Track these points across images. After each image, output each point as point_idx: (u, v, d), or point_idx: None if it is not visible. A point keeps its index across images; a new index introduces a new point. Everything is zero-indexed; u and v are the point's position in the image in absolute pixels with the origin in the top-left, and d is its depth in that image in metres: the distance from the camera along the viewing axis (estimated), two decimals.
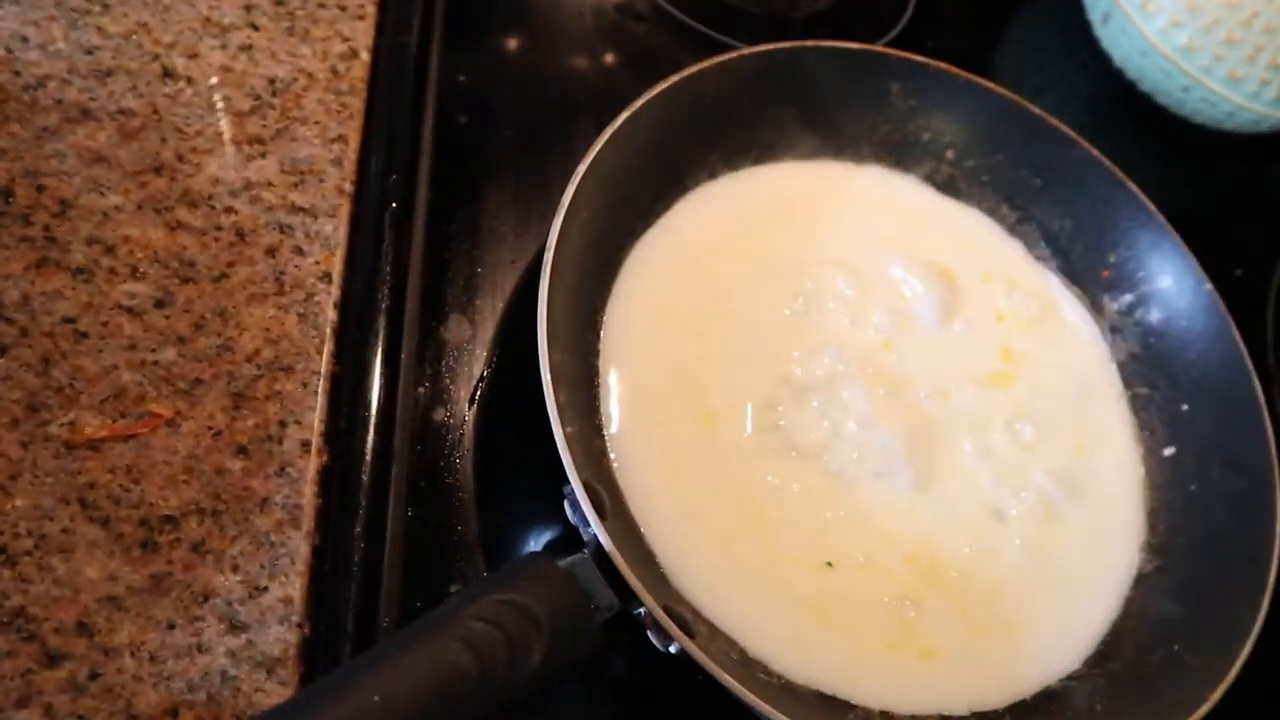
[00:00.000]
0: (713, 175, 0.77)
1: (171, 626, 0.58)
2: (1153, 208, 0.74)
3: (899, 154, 0.80)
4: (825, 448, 0.68)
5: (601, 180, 0.67)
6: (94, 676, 0.56)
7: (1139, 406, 0.74)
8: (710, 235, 0.76)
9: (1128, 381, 0.74)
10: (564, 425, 0.56)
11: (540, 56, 0.86)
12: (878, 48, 0.78)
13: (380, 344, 0.68)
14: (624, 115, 0.67)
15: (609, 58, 0.88)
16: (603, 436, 0.65)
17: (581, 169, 0.64)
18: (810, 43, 0.77)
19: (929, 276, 0.76)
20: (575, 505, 0.57)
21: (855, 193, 0.80)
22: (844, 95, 0.79)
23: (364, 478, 0.64)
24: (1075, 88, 0.98)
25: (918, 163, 0.81)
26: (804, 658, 0.60)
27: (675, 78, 0.70)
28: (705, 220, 0.76)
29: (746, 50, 0.74)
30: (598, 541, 0.55)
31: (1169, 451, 0.71)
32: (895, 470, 0.68)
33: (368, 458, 0.64)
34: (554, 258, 0.62)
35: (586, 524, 0.56)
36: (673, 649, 0.54)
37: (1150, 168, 0.78)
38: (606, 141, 0.66)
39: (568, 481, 0.57)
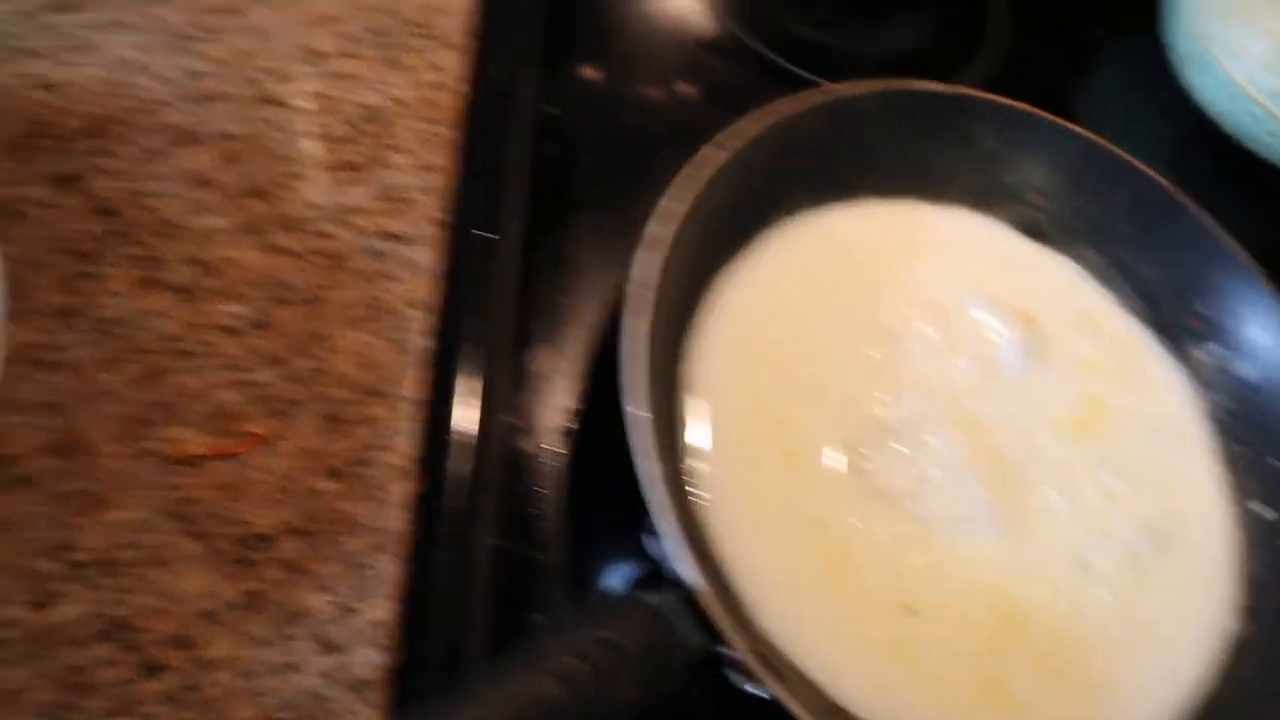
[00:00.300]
0: (796, 211, 0.78)
1: (265, 643, 0.59)
2: (1245, 256, 0.74)
3: (983, 196, 0.80)
4: (908, 491, 0.68)
5: (688, 214, 0.68)
6: (191, 689, 0.57)
7: (1233, 463, 0.73)
8: (794, 272, 0.76)
9: (1220, 436, 0.74)
10: (652, 461, 0.57)
11: (626, 89, 0.87)
12: (963, 89, 0.78)
13: (469, 372, 0.68)
14: (711, 150, 0.68)
15: (692, 90, 0.89)
16: (685, 472, 0.65)
17: (668, 203, 0.64)
18: (896, 84, 0.77)
19: (1013, 321, 0.76)
20: (661, 542, 0.57)
21: (939, 234, 0.80)
22: (928, 136, 0.79)
23: (452, 505, 0.64)
24: (1160, 131, 0.98)
25: (1002, 205, 0.80)
26: (888, 705, 0.60)
27: (763, 115, 0.71)
28: (789, 257, 0.76)
29: (835, 90, 0.74)
30: (685, 580, 0.55)
31: (1267, 514, 0.70)
32: (978, 517, 0.68)
33: (456, 486, 0.65)
34: (641, 292, 0.63)
35: (673, 561, 0.56)
36: (757, 691, 0.54)
37: (1239, 214, 0.78)
38: (693, 176, 0.67)
39: (653, 517, 0.58)
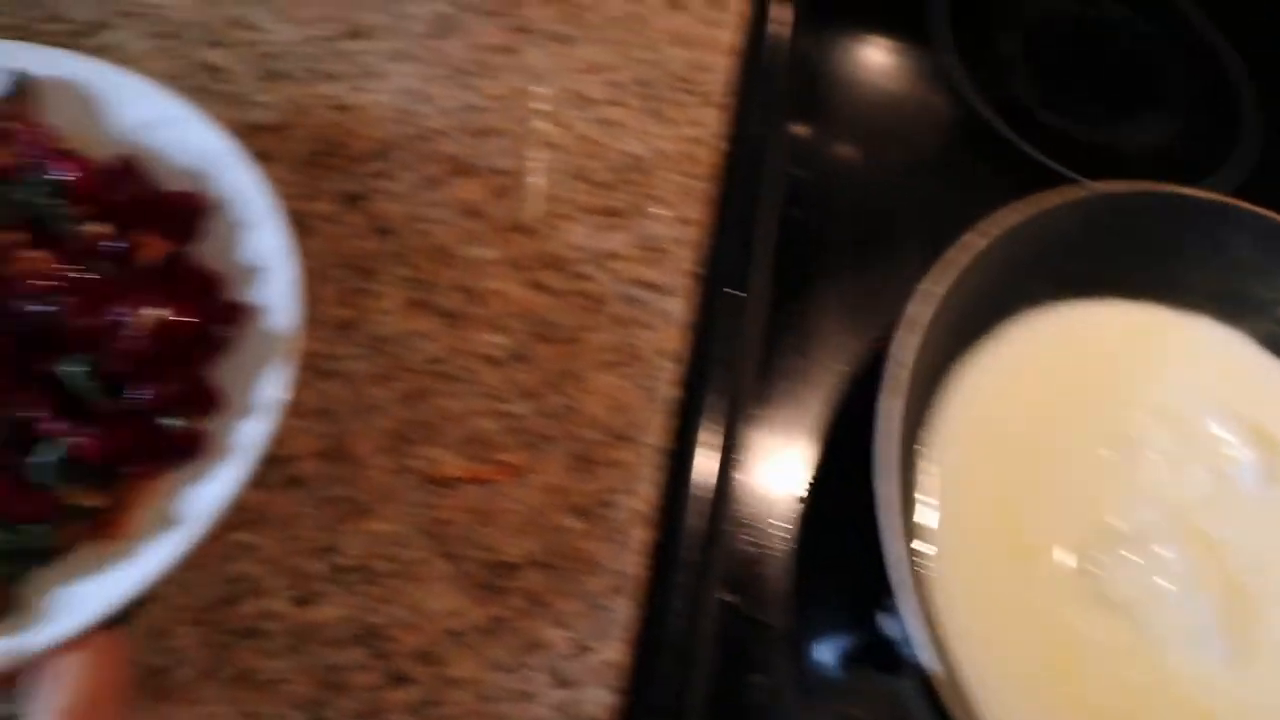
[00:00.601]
0: (1040, 304, 0.77)
1: (505, 670, 0.61)
2: None
3: (1231, 307, 0.79)
4: (1135, 603, 0.67)
5: (945, 297, 0.68)
6: (433, 704, 0.59)
7: None
8: (1034, 365, 0.76)
9: None
10: (900, 543, 0.57)
11: (877, 164, 0.88)
12: (1228, 199, 0.77)
13: (711, 427, 0.70)
14: (973, 237, 0.69)
15: (941, 173, 0.89)
16: (916, 554, 0.66)
17: (929, 286, 0.65)
18: (1158, 187, 0.77)
19: (1252, 440, 0.74)
20: (902, 625, 0.58)
21: (1181, 341, 0.79)
22: (1182, 241, 0.78)
23: (687, 557, 0.66)
24: None
25: (1249, 318, 0.79)
26: None
27: (1024, 206, 0.71)
28: (1030, 349, 0.76)
29: (1096, 188, 0.74)
30: (925, 666, 0.56)
31: None
32: (1207, 640, 0.66)
33: (692, 538, 0.66)
34: (898, 371, 0.64)
35: (914, 646, 0.56)
36: None
37: None
38: (953, 260, 0.67)
39: (890, 595, 0.58)
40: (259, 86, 0.78)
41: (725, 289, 0.75)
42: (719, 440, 0.70)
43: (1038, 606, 0.68)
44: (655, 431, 0.68)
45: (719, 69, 0.84)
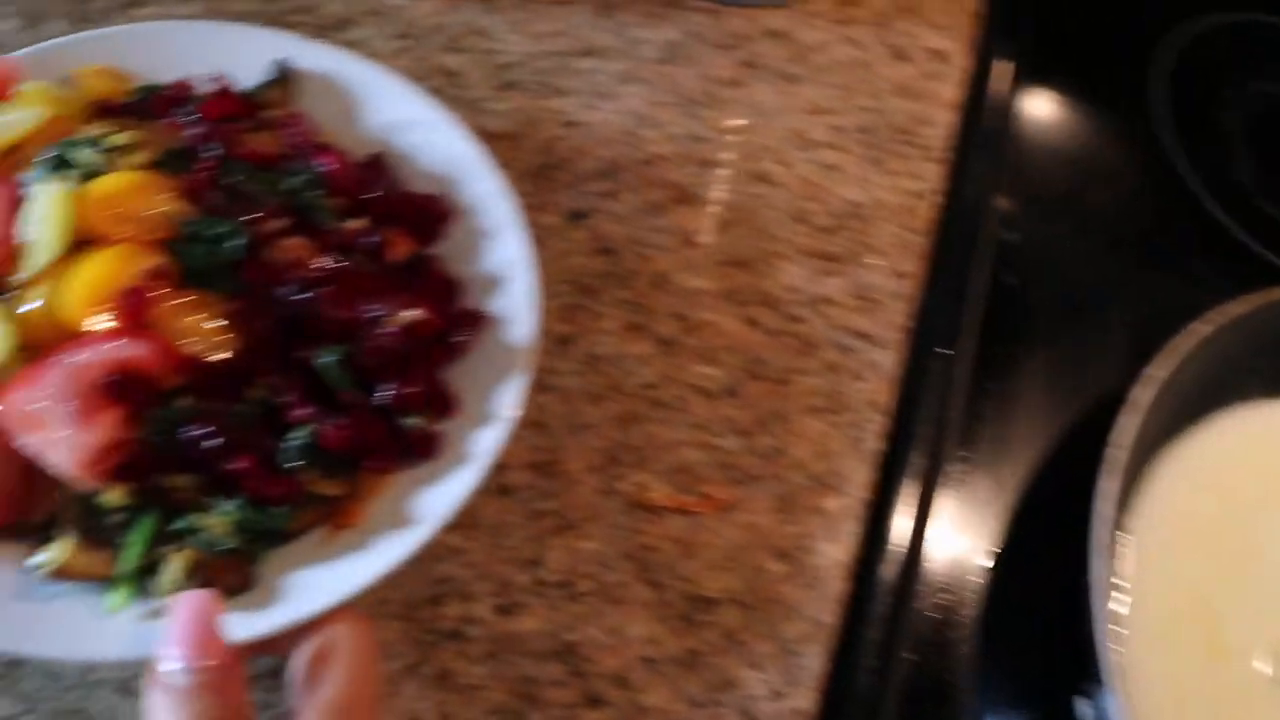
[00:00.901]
0: (1251, 399, 0.75)
1: (697, 704, 0.60)
2: None
3: None
4: None
5: (1166, 383, 0.67)
6: None
7: None
8: (1240, 460, 0.74)
9: None
10: (1108, 628, 0.56)
11: (1086, 235, 0.86)
12: None
13: (912, 484, 0.69)
14: (1199, 325, 0.68)
15: (1152, 252, 0.88)
16: (1105, 640, 0.64)
17: (1153, 371, 0.64)
18: None
19: None
20: (1097, 708, 0.56)
21: None
22: None
23: (880, 612, 0.65)
24: None
25: None
26: None
27: (1252, 299, 0.70)
28: (1237, 444, 0.74)
29: None
30: None
31: None
32: None
33: (885, 593, 0.66)
34: (1117, 454, 0.62)
35: None
36: None
37: None
38: (1178, 348, 0.66)
39: (1090, 679, 0.57)
40: (493, 95, 0.79)
41: (935, 348, 0.74)
42: (918, 498, 0.69)
43: (1233, 710, 0.65)
44: (858, 483, 0.68)
45: (940, 123, 0.84)
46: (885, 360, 0.72)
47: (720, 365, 0.70)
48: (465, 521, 0.63)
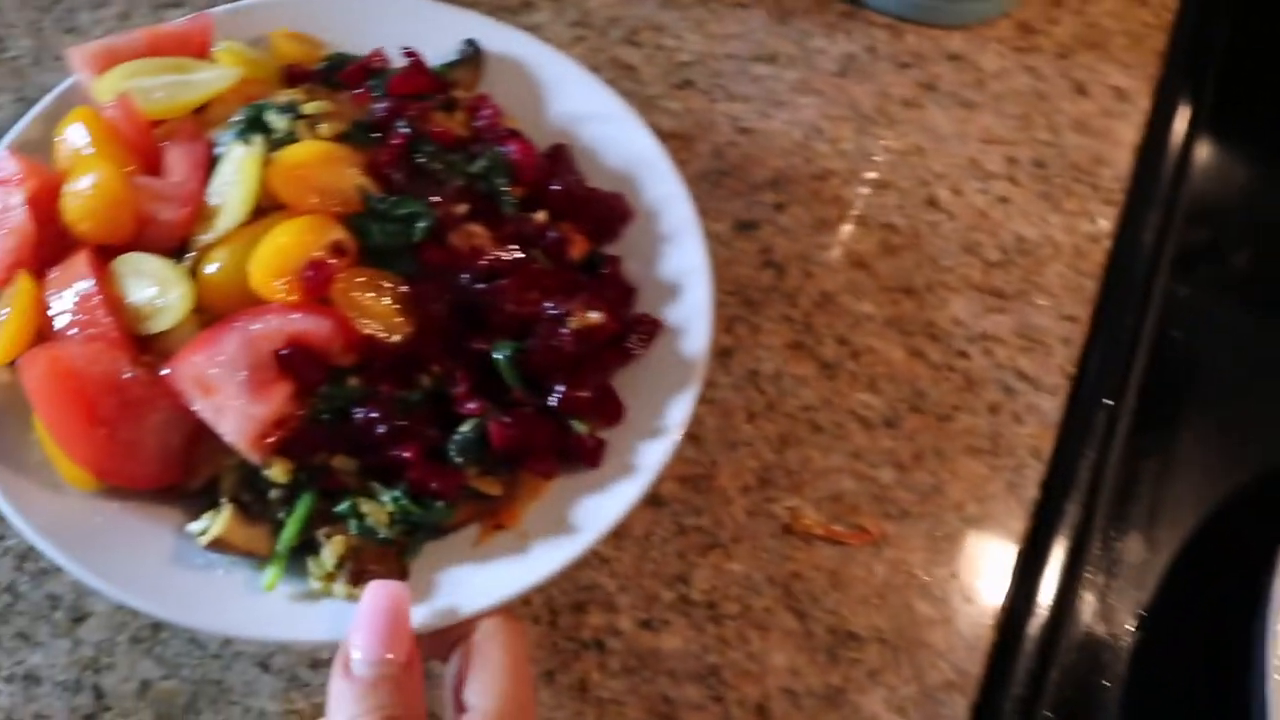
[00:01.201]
0: None
1: None
2: None
3: None
4: None
5: None
6: None
7: None
8: None
9: None
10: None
11: (1265, 295, 0.83)
12: None
13: (1063, 537, 0.67)
14: None
15: None
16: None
17: None
18: None
19: None
20: None
21: None
22: None
23: (1023, 667, 0.63)
24: None
25: None
26: None
27: None
28: None
29: None
30: None
31: None
32: None
33: (1031, 649, 0.64)
34: None
35: None
36: None
37: None
38: None
39: None
40: (668, 93, 0.77)
41: (1099, 398, 0.71)
42: (1069, 552, 0.67)
43: None
44: (1013, 531, 0.65)
45: (1117, 164, 0.81)
46: (1048, 406, 0.70)
47: (881, 394, 0.68)
48: (615, 530, 0.61)
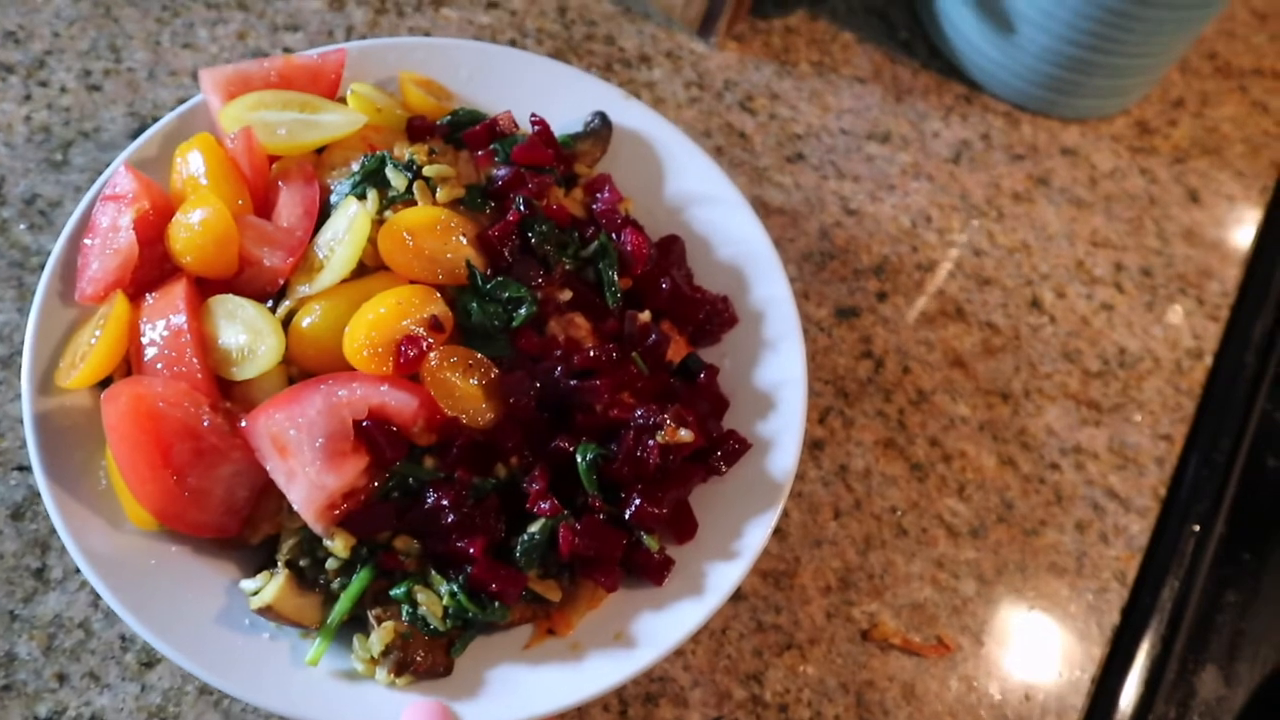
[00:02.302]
0: None
1: None
2: None
3: None
4: None
5: None
6: None
7: None
8: None
9: None
10: None
11: None
12: None
13: (1139, 669, 0.65)
14: None
15: None
16: None
17: None
18: None
19: None
20: None
21: None
22: None
23: None
24: None
25: None
26: None
27: None
28: None
29: None
30: None
31: None
32: None
33: None
34: None
35: None
36: None
37: None
38: None
39: None
40: (780, 165, 0.76)
41: (1188, 524, 0.70)
42: (1145, 683, 0.65)
43: None
44: (1090, 658, 0.64)
45: (1225, 279, 0.79)
46: (1136, 528, 0.68)
47: (969, 502, 0.66)
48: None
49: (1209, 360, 0.76)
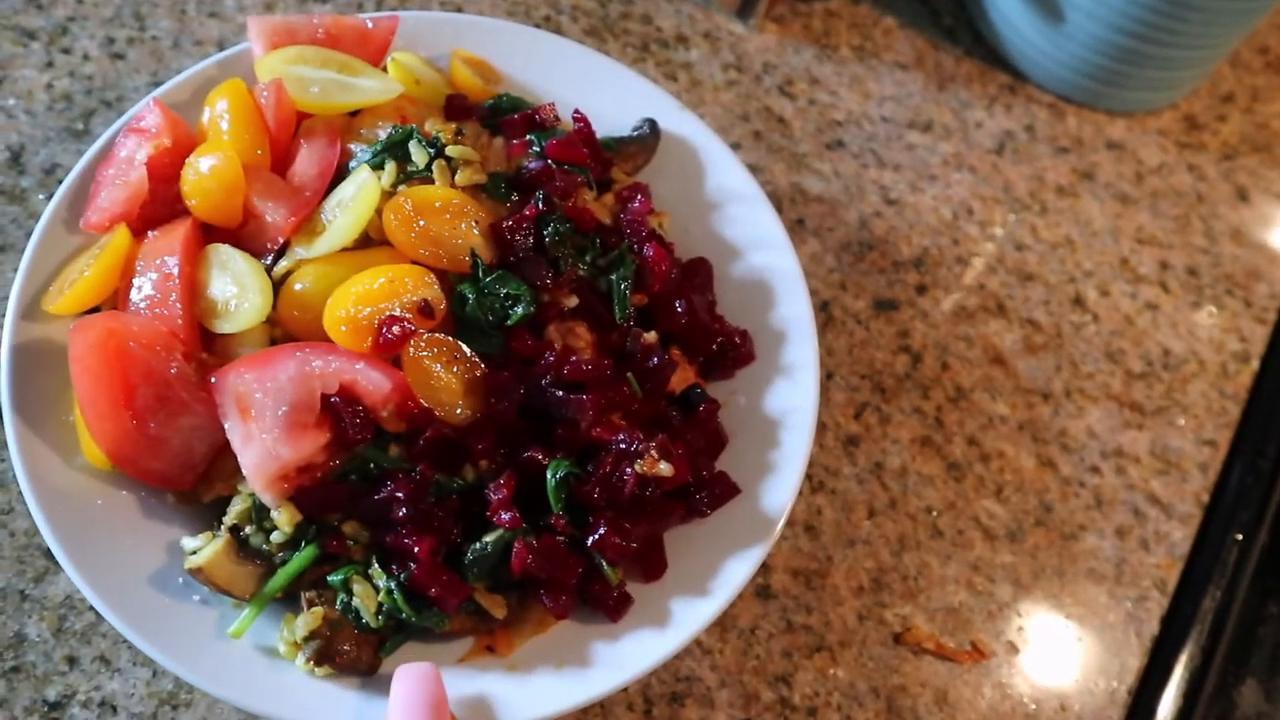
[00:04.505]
0: None
1: None
2: None
3: None
4: None
5: None
6: None
7: None
8: None
9: None
10: None
11: None
12: None
13: (1177, 681, 0.63)
14: None
15: None
16: None
17: None
18: None
19: None
20: None
21: None
22: None
23: None
24: None
25: None
26: None
27: None
28: None
29: None
30: None
31: None
32: None
33: None
34: None
35: None
36: None
37: None
38: None
39: None
40: (819, 152, 0.74)
41: (1230, 533, 0.68)
42: (1183, 696, 0.63)
43: None
44: (1129, 668, 0.63)
45: (1274, 281, 0.77)
46: (1178, 536, 0.66)
47: (1007, 504, 0.64)
48: (722, 620, 0.59)
49: (1255, 364, 0.74)
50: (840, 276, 0.69)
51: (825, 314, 0.68)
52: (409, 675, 0.46)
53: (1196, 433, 0.70)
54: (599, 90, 0.62)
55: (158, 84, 0.67)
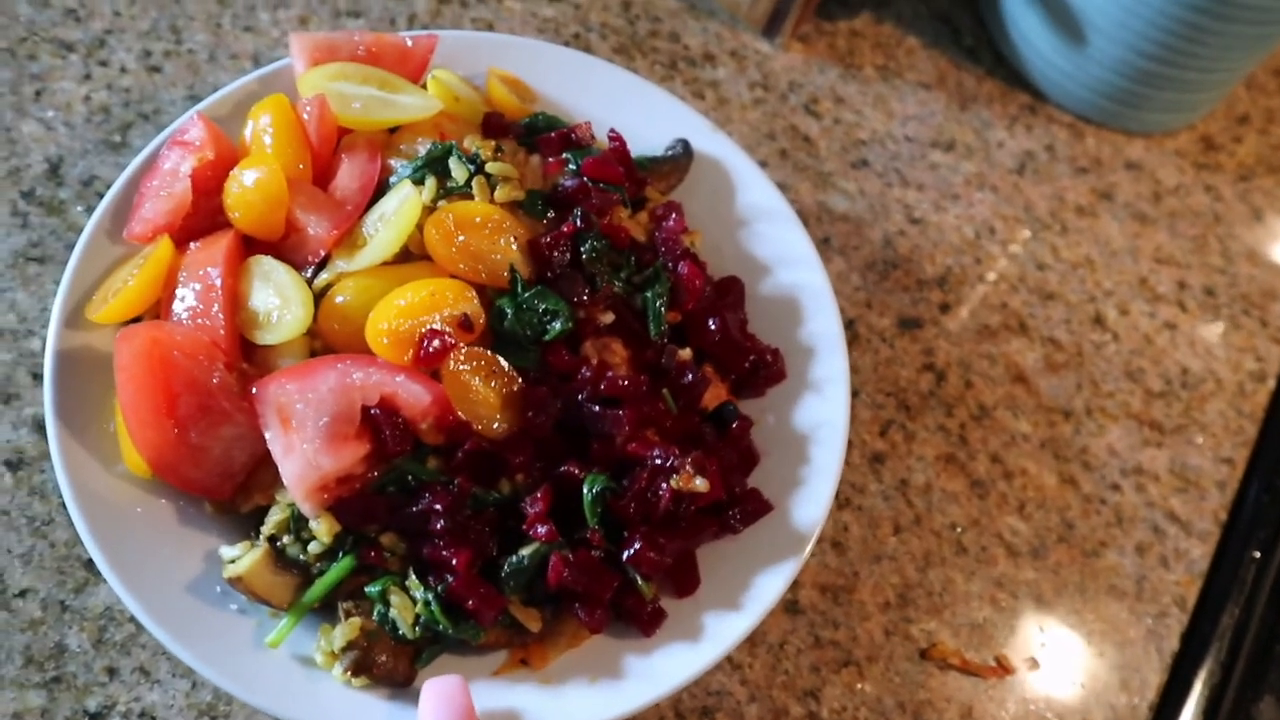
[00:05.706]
0: None
1: None
2: None
3: None
4: None
5: None
6: None
7: None
8: None
9: None
10: None
11: None
12: None
13: (1196, 698, 0.64)
14: None
15: None
16: None
17: None
18: None
19: None
20: None
21: None
22: None
23: None
24: None
25: None
26: None
27: None
28: None
29: None
30: None
31: None
32: None
33: None
34: None
35: None
36: None
37: None
38: None
39: None
40: (844, 171, 0.75)
41: (1249, 550, 0.69)
42: (1202, 713, 0.64)
43: None
44: (1149, 684, 0.64)
45: None
46: (1197, 553, 0.67)
47: (1030, 521, 0.65)
48: (751, 634, 0.59)
49: (1271, 383, 0.75)
50: (865, 295, 0.70)
51: (851, 332, 0.68)
52: (437, 688, 0.47)
53: (1214, 451, 0.71)
54: (634, 111, 0.63)
55: (194, 97, 0.68)
